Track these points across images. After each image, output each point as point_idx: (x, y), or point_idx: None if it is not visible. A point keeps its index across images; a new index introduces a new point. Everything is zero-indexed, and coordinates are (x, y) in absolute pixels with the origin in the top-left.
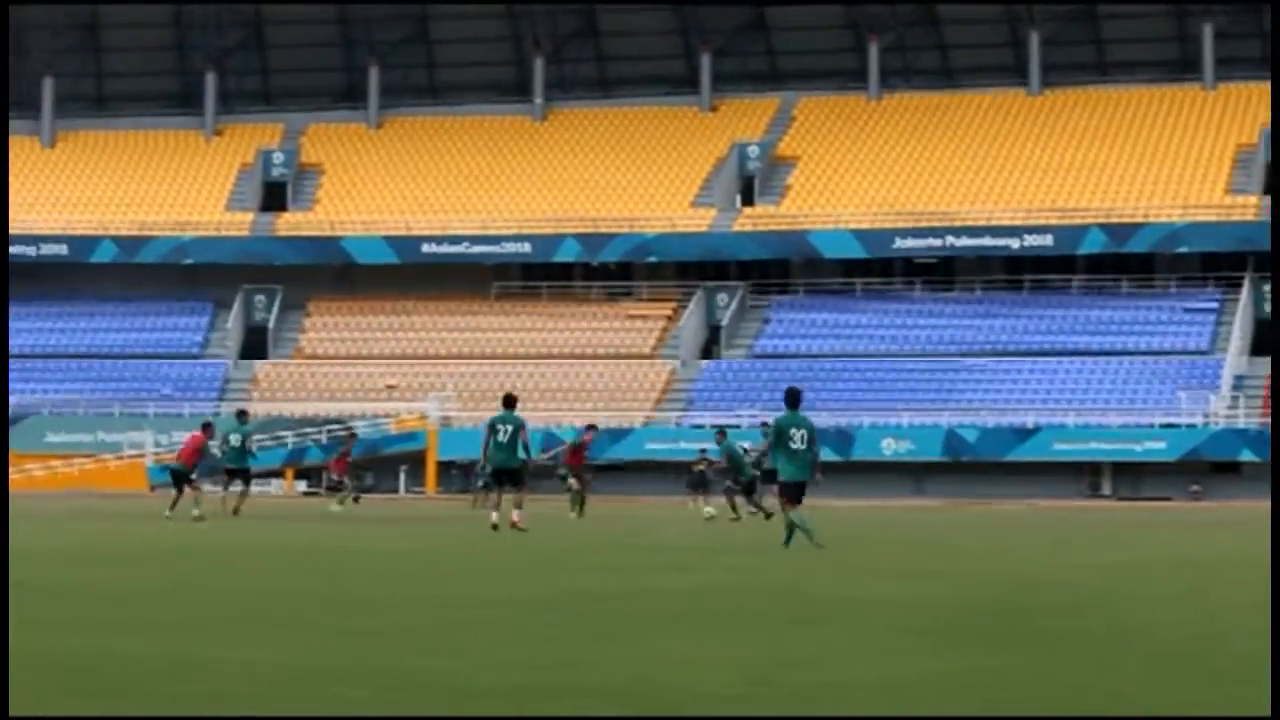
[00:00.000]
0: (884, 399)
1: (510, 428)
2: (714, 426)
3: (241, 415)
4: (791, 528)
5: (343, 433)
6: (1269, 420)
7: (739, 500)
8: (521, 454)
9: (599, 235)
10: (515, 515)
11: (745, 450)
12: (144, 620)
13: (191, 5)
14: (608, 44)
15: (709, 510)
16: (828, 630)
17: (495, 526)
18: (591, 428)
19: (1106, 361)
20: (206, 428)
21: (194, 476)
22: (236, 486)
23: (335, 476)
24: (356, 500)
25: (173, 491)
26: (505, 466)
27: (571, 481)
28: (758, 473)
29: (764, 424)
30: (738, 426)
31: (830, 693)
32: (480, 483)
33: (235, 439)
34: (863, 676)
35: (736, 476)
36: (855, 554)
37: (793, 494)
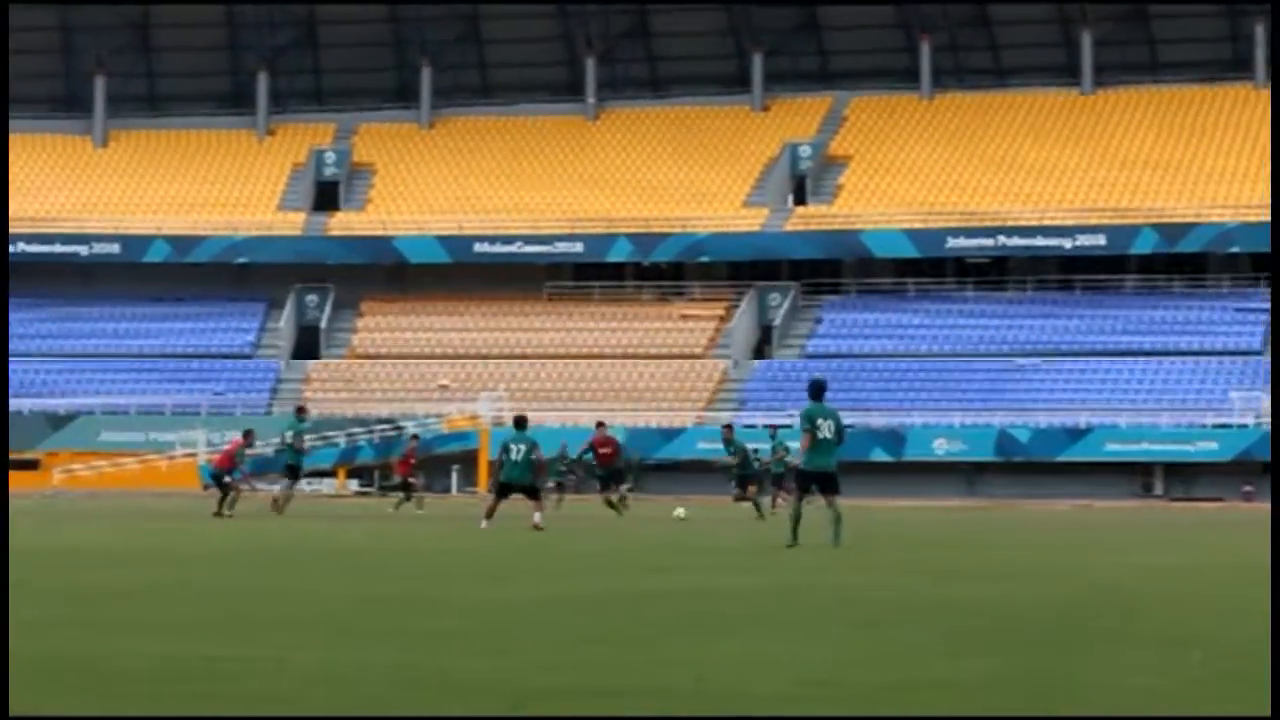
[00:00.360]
0: (936, 399)
1: (524, 447)
2: (723, 425)
3: (300, 412)
4: (798, 520)
5: (392, 432)
6: None
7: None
8: (533, 470)
9: (651, 235)
10: (536, 518)
11: (771, 458)
12: (183, 621)
13: (243, 5)
14: (659, 44)
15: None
16: (885, 632)
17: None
18: (599, 424)
19: (1159, 362)
20: (247, 434)
21: (228, 479)
22: (286, 484)
23: (399, 478)
24: (408, 500)
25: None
26: (519, 483)
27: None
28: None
29: (771, 427)
30: (788, 426)
31: (888, 694)
32: (554, 482)
33: (288, 436)
34: (920, 677)
35: (743, 472)
36: (908, 555)
37: (817, 484)
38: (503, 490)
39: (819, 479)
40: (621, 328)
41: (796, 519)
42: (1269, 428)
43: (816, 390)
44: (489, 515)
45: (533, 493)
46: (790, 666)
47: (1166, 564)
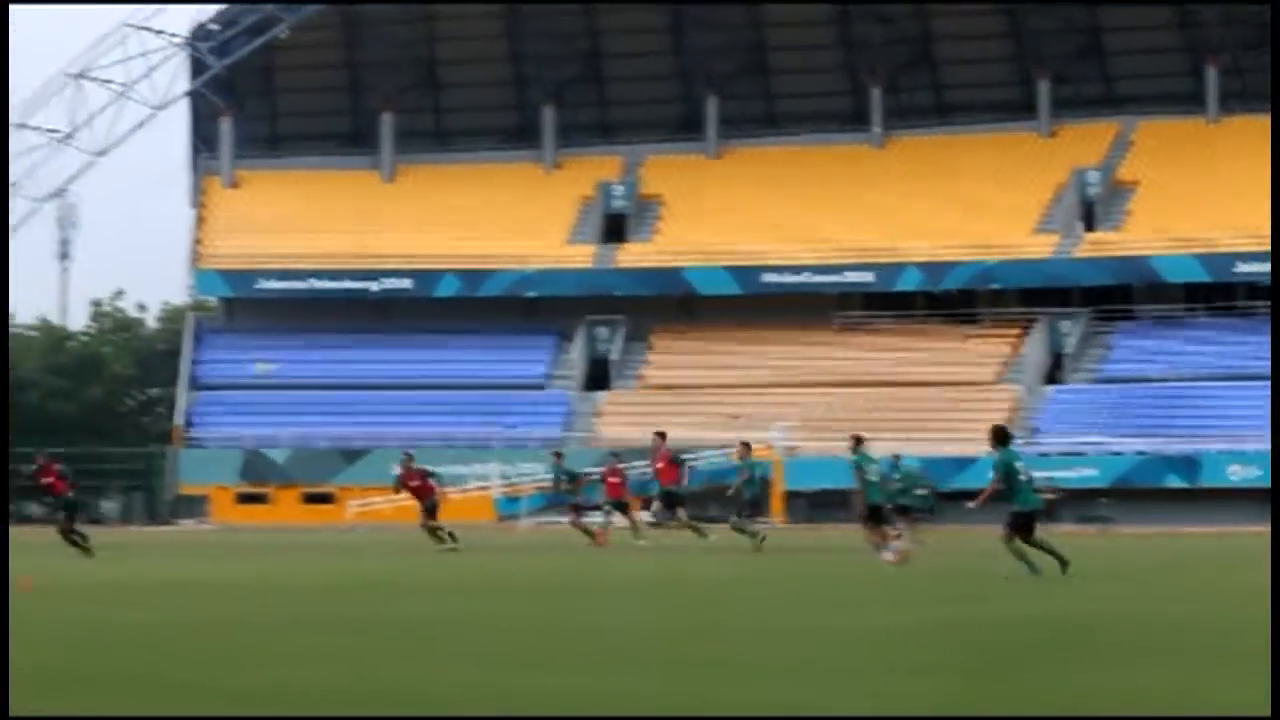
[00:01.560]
0: (1230, 424)
1: (880, 467)
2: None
3: (557, 457)
4: (1023, 556)
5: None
6: None
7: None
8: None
9: (940, 263)
10: (890, 554)
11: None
12: (473, 652)
13: (529, 40)
14: (944, 72)
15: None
16: (1188, 658)
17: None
18: (660, 434)
19: None
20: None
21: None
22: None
23: (610, 500)
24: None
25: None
26: (882, 503)
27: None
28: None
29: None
30: (1077, 454)
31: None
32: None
33: (560, 474)
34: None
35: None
36: (1210, 579)
37: (1027, 524)
38: (876, 514)
39: (1031, 518)
40: (911, 356)
41: (1021, 553)
42: None
43: (1004, 436)
44: (885, 541)
45: (885, 516)
46: (1135, 695)
47: None
